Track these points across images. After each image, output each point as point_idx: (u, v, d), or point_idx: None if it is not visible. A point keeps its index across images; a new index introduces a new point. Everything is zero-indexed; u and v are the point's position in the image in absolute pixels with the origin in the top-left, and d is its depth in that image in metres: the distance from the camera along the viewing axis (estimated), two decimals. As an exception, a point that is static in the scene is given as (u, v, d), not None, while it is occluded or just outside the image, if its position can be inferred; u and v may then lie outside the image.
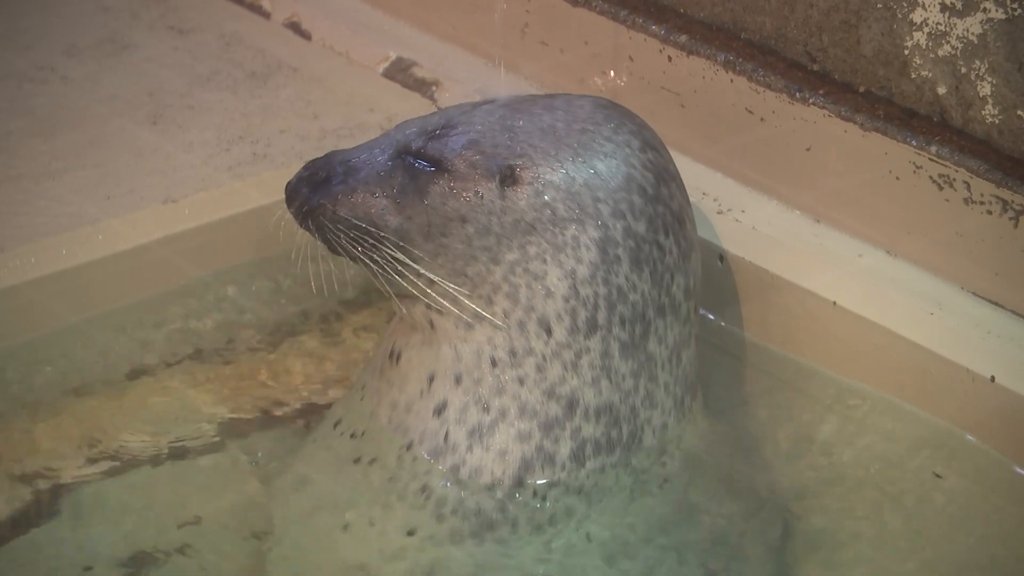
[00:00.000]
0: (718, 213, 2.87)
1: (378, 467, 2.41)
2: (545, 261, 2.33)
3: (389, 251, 2.34)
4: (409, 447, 2.38)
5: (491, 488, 2.36)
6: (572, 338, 2.34)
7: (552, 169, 2.32)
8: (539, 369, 2.35)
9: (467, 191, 2.32)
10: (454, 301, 2.33)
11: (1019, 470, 2.51)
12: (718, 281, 2.80)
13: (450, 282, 2.33)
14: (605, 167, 2.34)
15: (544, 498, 2.36)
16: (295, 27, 3.50)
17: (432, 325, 2.39)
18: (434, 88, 3.29)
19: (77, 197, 2.94)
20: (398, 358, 2.44)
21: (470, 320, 2.34)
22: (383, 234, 2.34)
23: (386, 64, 3.36)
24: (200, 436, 2.75)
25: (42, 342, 2.80)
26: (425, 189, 2.31)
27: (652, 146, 2.41)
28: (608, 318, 2.34)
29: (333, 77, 3.33)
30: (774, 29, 2.84)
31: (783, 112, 2.81)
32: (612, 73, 3.12)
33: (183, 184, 2.98)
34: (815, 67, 2.78)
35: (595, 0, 3.09)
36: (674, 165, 2.46)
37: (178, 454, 2.71)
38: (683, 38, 2.96)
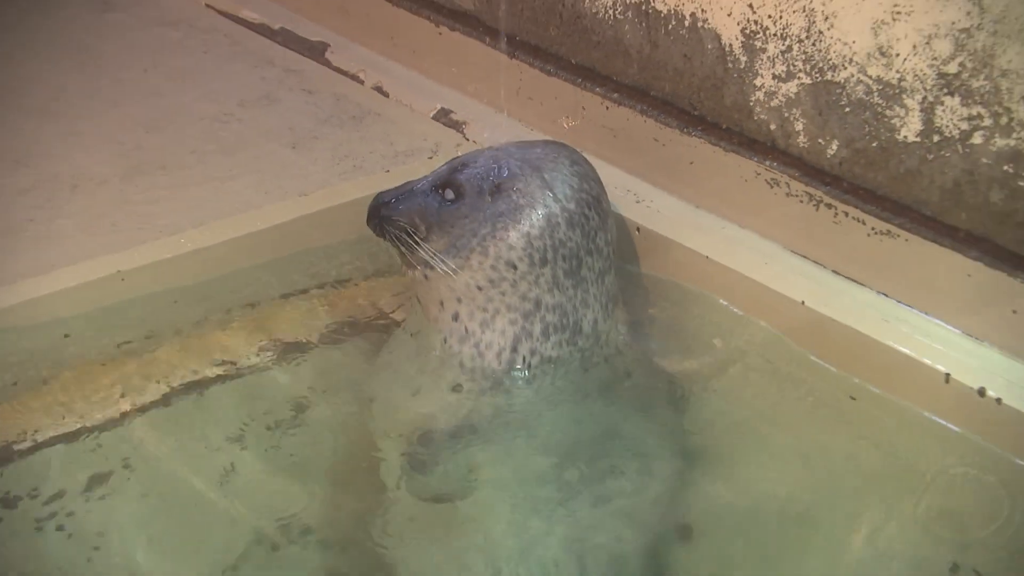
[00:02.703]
0: (636, 202, 3.26)
1: (432, 355, 2.72)
2: (508, 228, 2.63)
3: (418, 235, 2.67)
4: (445, 340, 2.70)
5: (498, 355, 2.64)
6: (531, 269, 2.64)
7: (519, 179, 2.65)
8: (513, 285, 2.65)
9: (469, 198, 2.68)
10: (444, 263, 2.65)
11: (814, 358, 2.84)
12: (636, 244, 3.16)
13: (445, 252, 2.64)
14: (549, 176, 2.68)
15: (528, 365, 2.66)
16: (379, 89, 3.94)
17: (427, 278, 2.69)
18: (464, 126, 3.70)
19: (246, 192, 3.35)
20: (418, 300, 2.77)
21: (454, 270, 2.64)
22: (417, 226, 2.68)
23: (434, 111, 3.77)
24: (321, 335, 3.10)
25: (222, 281, 3.15)
26: (445, 199, 2.68)
27: (579, 163, 2.77)
28: (554, 257, 2.65)
29: (402, 119, 3.71)
30: (671, 90, 3.20)
31: (676, 141, 3.18)
32: (572, 117, 3.49)
33: (311, 184, 3.38)
34: (696, 113, 3.14)
35: (562, 72, 3.46)
36: (595, 173, 2.76)
37: (303, 345, 3.06)
38: (616, 95, 3.33)
